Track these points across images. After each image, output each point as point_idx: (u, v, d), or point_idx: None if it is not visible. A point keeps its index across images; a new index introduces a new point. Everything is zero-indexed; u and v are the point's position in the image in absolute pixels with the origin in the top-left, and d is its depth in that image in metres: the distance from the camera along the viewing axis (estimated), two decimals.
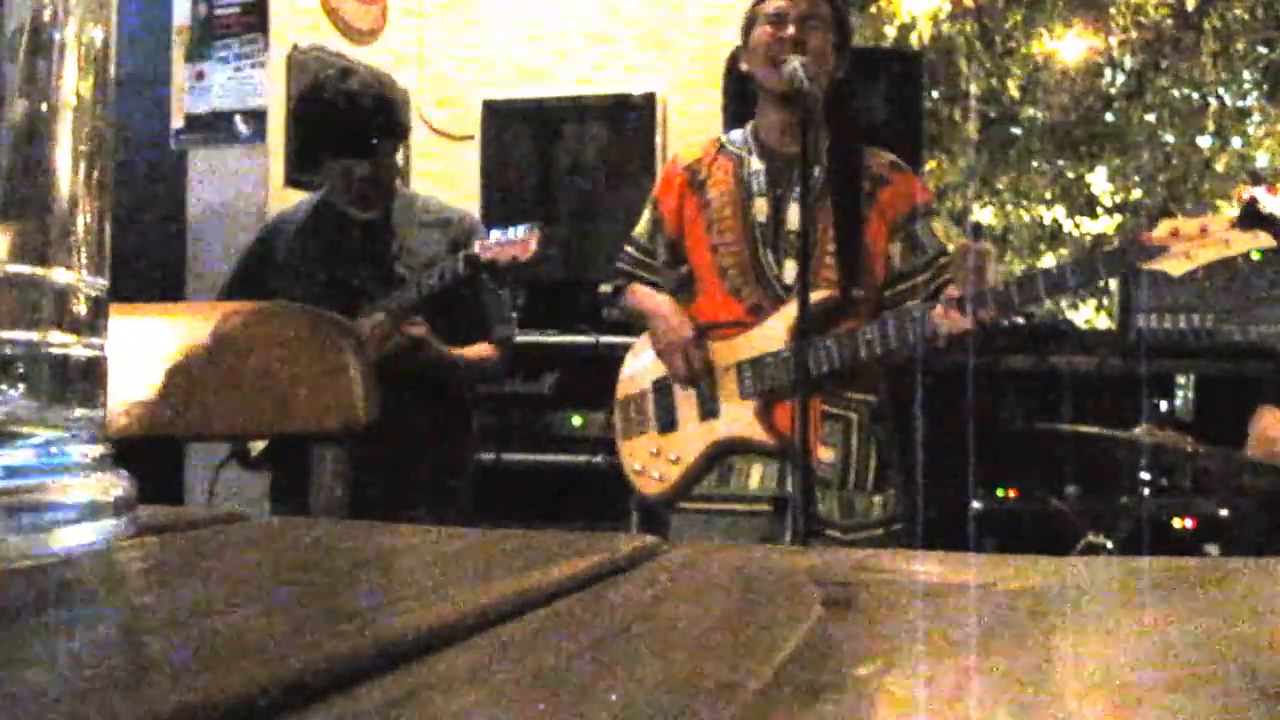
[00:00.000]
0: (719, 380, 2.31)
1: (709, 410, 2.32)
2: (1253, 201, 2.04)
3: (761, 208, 2.31)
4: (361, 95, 2.58)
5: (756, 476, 2.29)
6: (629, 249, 2.49)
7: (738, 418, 2.29)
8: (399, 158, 2.89)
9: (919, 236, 2.31)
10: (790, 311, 2.22)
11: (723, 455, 2.31)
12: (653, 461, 2.37)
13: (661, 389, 2.38)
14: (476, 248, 2.48)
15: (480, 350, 2.68)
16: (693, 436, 2.33)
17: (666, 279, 2.44)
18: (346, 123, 2.56)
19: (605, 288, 2.57)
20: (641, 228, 2.48)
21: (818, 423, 2.21)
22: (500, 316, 2.72)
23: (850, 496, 2.26)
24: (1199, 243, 2.00)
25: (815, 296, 2.11)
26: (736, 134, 2.43)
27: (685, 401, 2.34)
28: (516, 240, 2.44)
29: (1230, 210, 2.08)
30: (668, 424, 2.36)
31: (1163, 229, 2.03)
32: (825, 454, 2.23)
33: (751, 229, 2.31)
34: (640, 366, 2.43)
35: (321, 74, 2.71)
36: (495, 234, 2.50)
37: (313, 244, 2.72)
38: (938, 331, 2.12)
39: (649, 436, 2.38)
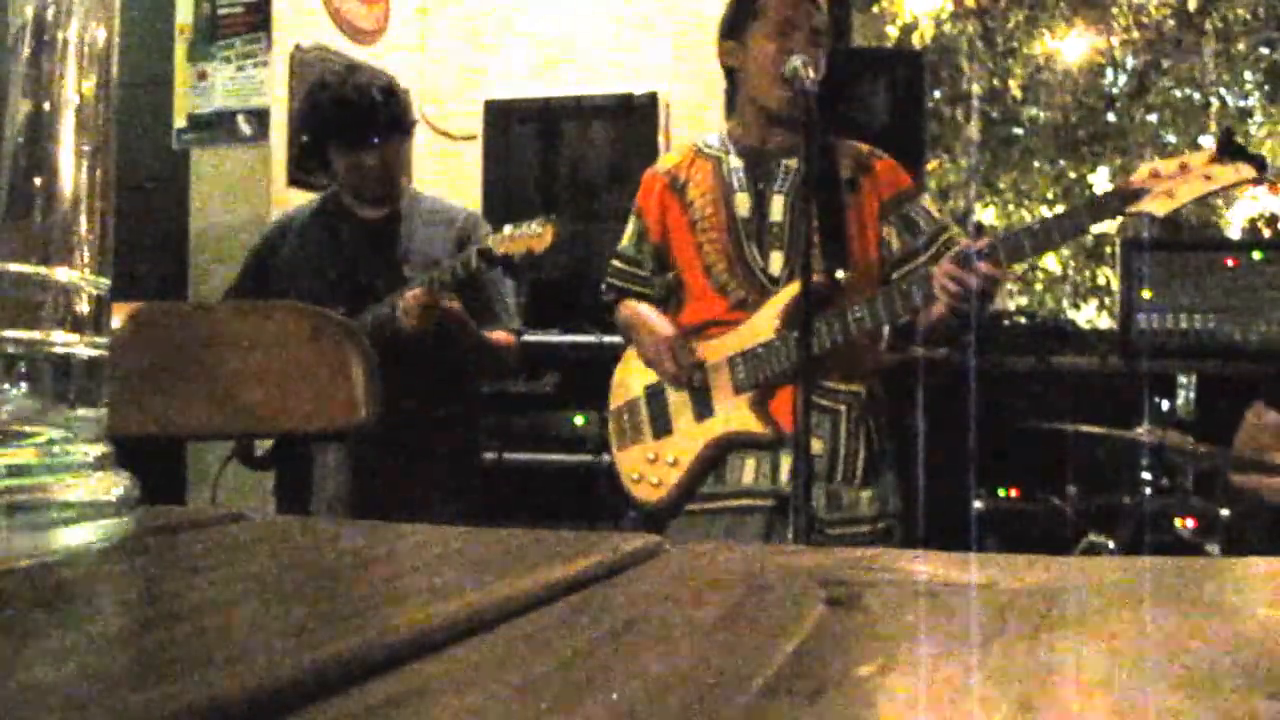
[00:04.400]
0: (711, 378, 2.30)
1: (703, 409, 2.30)
2: (1229, 131, 2.00)
3: (743, 202, 2.31)
4: (367, 88, 2.62)
5: (750, 470, 2.27)
6: (616, 262, 2.48)
7: (734, 412, 2.27)
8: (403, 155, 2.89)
9: (913, 217, 2.31)
10: (778, 301, 2.22)
11: (722, 453, 2.29)
12: (650, 468, 2.34)
13: (653, 395, 2.36)
14: (490, 241, 2.48)
15: (502, 337, 2.70)
16: (690, 437, 2.31)
17: (655, 287, 2.44)
18: (355, 113, 2.59)
19: (606, 295, 2.56)
20: (626, 240, 2.48)
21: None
22: (507, 310, 2.73)
23: (837, 490, 2.24)
24: (1180, 180, 1.96)
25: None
26: (712, 137, 2.43)
27: (679, 404, 2.33)
28: (531, 233, 2.45)
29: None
30: (662, 429, 2.34)
31: (1142, 171, 2.00)
32: (814, 445, 2.21)
33: (734, 224, 2.30)
34: (631, 374, 2.41)
35: (325, 74, 2.74)
36: (508, 228, 2.50)
37: (319, 242, 2.72)
38: (933, 292, 2.07)
39: (644, 444, 2.36)
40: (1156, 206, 1.97)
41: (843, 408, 2.27)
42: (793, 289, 2.14)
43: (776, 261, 2.27)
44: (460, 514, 2.72)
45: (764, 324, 2.24)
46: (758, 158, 2.33)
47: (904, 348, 2.51)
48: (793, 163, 2.27)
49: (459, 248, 2.67)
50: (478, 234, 2.71)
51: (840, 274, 2.24)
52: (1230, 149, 1.94)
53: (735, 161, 2.34)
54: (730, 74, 2.37)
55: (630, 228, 2.47)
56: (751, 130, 2.35)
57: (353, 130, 2.61)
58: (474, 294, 2.61)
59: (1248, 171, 1.94)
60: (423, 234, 2.71)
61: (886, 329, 2.34)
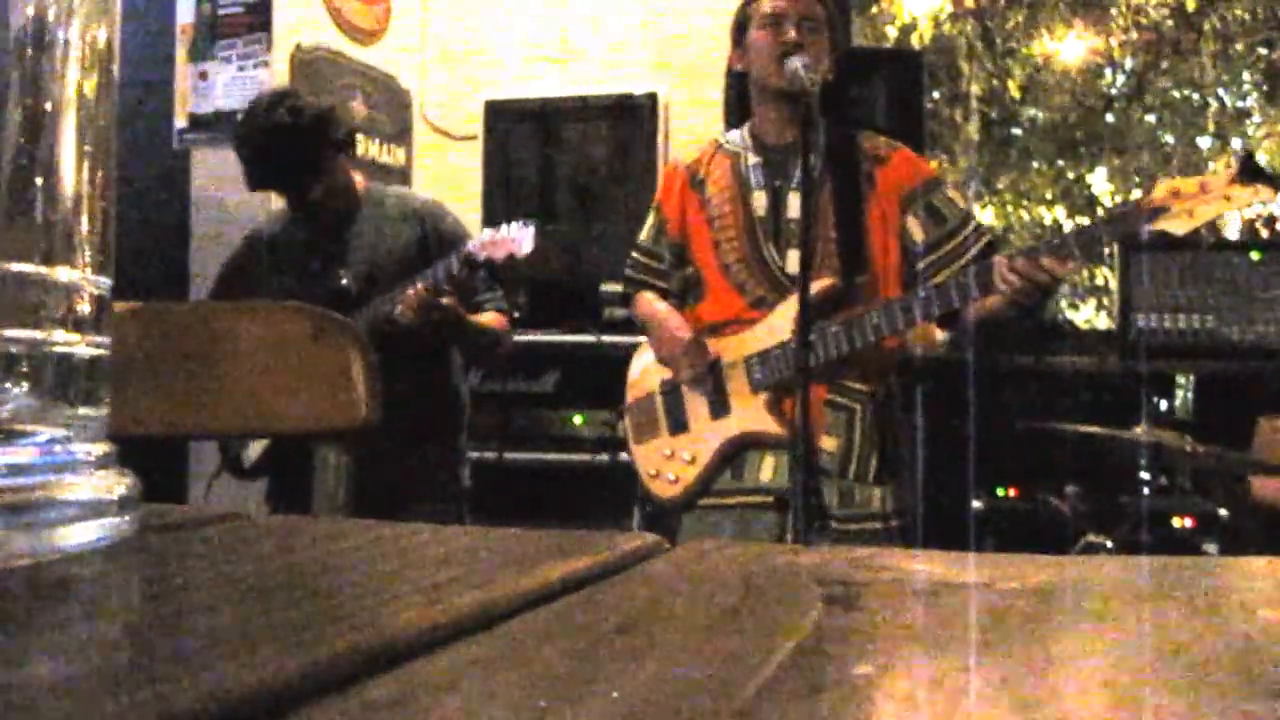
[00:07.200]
0: (727, 377, 2.30)
1: (720, 408, 2.31)
2: (1250, 155, 2.01)
3: (760, 200, 2.32)
4: (277, 131, 2.60)
5: (769, 468, 2.28)
6: (635, 255, 2.50)
7: (750, 412, 2.28)
8: (401, 156, 2.91)
9: (938, 207, 2.29)
10: (795, 302, 2.22)
11: (738, 451, 2.30)
12: (667, 464, 2.36)
13: (669, 390, 2.38)
14: (471, 246, 2.52)
15: (493, 318, 2.75)
16: (706, 435, 2.32)
17: (673, 282, 2.45)
18: (269, 163, 2.64)
19: (612, 287, 2.57)
20: (646, 233, 2.49)
21: (821, 411, 2.21)
22: (491, 291, 2.77)
23: (849, 486, 2.24)
24: (1200, 200, 1.97)
25: (818, 286, 2.10)
26: (734, 134, 2.43)
27: (694, 401, 2.34)
28: (512, 237, 2.47)
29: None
30: (678, 425, 2.36)
31: (1162, 190, 2.01)
32: (828, 443, 2.23)
33: (751, 222, 2.31)
34: (647, 369, 2.43)
35: (241, 113, 2.80)
36: (488, 233, 2.52)
37: (288, 247, 2.76)
38: (997, 282, 2.06)
39: (661, 439, 2.38)
40: (1176, 225, 1.98)
41: (858, 406, 2.27)
42: (811, 290, 2.14)
43: (794, 260, 2.27)
44: (453, 511, 2.73)
45: (782, 325, 2.24)
46: (775, 154, 2.33)
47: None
48: (813, 162, 2.27)
49: (421, 233, 2.72)
50: (438, 220, 2.75)
51: (860, 278, 2.24)
52: (1251, 171, 1.95)
53: (753, 159, 2.35)
54: (745, 79, 2.38)
55: (650, 221, 2.49)
56: (769, 126, 2.35)
57: (274, 180, 2.70)
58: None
59: (1267, 194, 1.96)
60: (386, 225, 2.76)
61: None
